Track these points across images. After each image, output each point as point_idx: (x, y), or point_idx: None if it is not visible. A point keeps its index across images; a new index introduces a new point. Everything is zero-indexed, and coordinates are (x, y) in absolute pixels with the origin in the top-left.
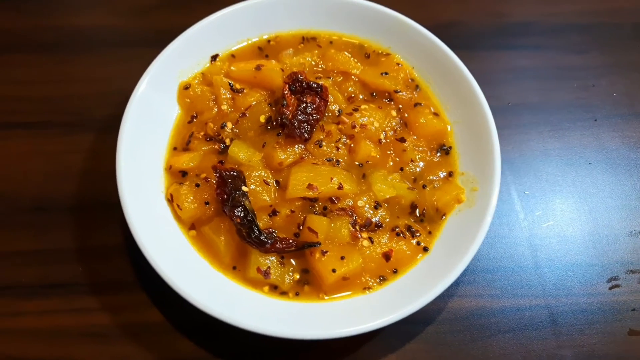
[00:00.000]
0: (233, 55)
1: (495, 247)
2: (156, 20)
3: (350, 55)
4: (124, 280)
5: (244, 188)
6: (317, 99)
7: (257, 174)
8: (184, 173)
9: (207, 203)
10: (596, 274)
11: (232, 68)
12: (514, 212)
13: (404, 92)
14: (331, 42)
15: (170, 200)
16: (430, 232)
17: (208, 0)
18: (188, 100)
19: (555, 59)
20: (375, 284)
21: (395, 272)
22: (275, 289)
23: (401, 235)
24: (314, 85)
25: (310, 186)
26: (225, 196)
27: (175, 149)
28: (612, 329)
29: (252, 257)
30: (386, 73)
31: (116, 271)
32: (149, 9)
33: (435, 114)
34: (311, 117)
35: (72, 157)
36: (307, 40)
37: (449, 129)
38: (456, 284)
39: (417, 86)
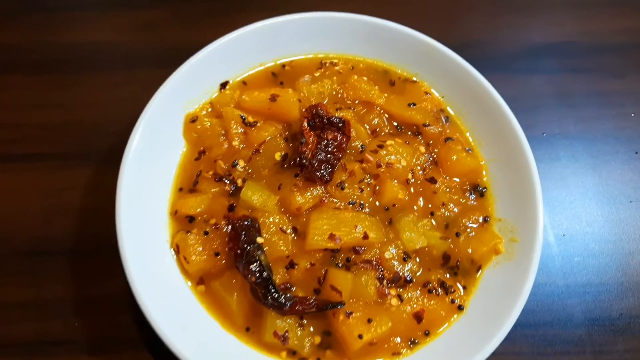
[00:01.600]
0: (244, 83)
1: (530, 298)
2: (164, 37)
3: (373, 83)
4: (126, 338)
5: (259, 239)
6: (338, 135)
7: (272, 220)
8: (191, 218)
9: (217, 254)
10: (638, 327)
11: (244, 97)
12: (551, 257)
13: (433, 126)
14: (352, 68)
15: (177, 251)
16: (465, 287)
17: (218, 15)
18: (195, 134)
19: (591, 83)
20: (405, 349)
21: (427, 334)
22: (293, 354)
23: (434, 292)
24: (336, 120)
25: (332, 236)
26: (239, 251)
27: (181, 189)
28: None
29: (268, 319)
30: (414, 104)
31: (118, 326)
32: (156, 24)
33: (468, 151)
34: (332, 156)
35: (71, 193)
36: (326, 65)
37: (483, 168)
38: None
39: (447, 118)
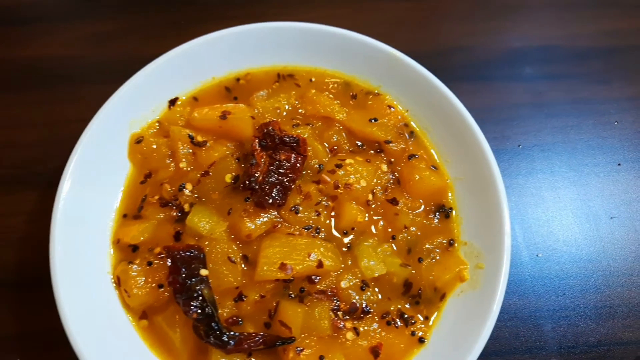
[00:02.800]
0: (195, 99)
1: (505, 324)
2: (117, 51)
3: (333, 97)
4: None
5: (203, 272)
6: (292, 156)
7: (220, 249)
8: (134, 248)
9: (160, 286)
10: (619, 353)
11: (194, 115)
12: (526, 279)
13: (396, 143)
14: (311, 80)
15: (118, 283)
16: (427, 317)
17: (177, 27)
18: (141, 156)
19: (574, 90)
20: None
21: None
22: None
23: (392, 324)
24: (289, 139)
25: (283, 266)
26: (179, 286)
27: (125, 216)
28: None
29: (213, 357)
30: (375, 119)
31: None
32: (110, 37)
33: (433, 168)
34: (285, 178)
35: (11, 221)
36: (284, 78)
37: (449, 187)
38: None
39: (412, 133)
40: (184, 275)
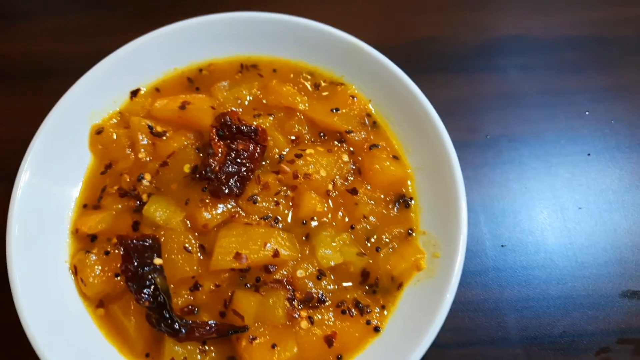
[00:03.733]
0: (157, 89)
1: (467, 314)
2: (87, 45)
3: (295, 88)
4: None
5: (157, 260)
6: (251, 145)
7: (176, 239)
8: (93, 237)
9: (117, 275)
10: (583, 345)
11: (155, 105)
12: (488, 270)
13: (357, 133)
14: (275, 70)
15: (75, 272)
16: (383, 307)
17: (145, 20)
18: (101, 146)
19: (545, 80)
20: None
21: (339, 358)
22: None
23: (347, 312)
24: (246, 129)
25: (238, 256)
26: (131, 274)
27: (85, 206)
28: None
29: (167, 345)
30: (337, 109)
31: (14, 357)
32: (77, 30)
33: (395, 157)
34: (243, 168)
35: None
36: (247, 69)
37: (409, 177)
38: None
39: (374, 123)
40: (136, 263)
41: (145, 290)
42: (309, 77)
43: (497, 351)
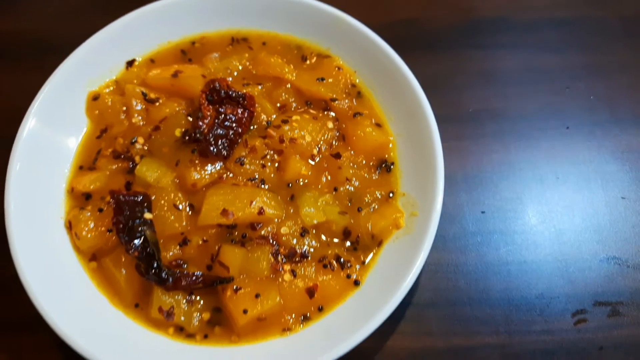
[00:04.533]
0: (152, 60)
1: (445, 276)
2: (83, 24)
3: (283, 59)
4: (23, 319)
5: (147, 215)
6: (239, 110)
7: (166, 197)
8: (87, 196)
9: (110, 230)
10: (560, 306)
11: (149, 74)
12: (468, 234)
13: (342, 101)
14: (264, 44)
15: (69, 227)
16: (364, 262)
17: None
18: (97, 112)
19: (526, 59)
20: (296, 325)
21: (320, 309)
22: (181, 330)
23: (329, 267)
24: (234, 94)
25: (224, 212)
26: (122, 226)
27: (81, 168)
28: None
29: (155, 294)
30: (323, 79)
31: (14, 308)
32: (74, 11)
33: (378, 125)
34: (231, 131)
35: None
36: (237, 42)
37: (391, 143)
38: (397, 319)
39: (359, 93)
40: (126, 215)
41: (135, 242)
42: (296, 49)
43: (474, 311)
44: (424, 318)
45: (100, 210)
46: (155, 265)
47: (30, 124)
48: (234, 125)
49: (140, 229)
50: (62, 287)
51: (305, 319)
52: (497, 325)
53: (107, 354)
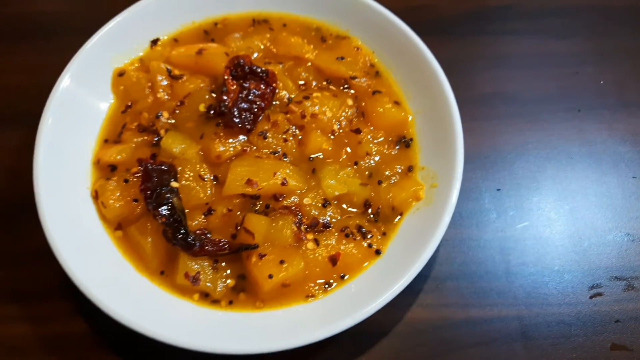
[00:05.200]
0: (176, 40)
1: (462, 250)
2: (105, 6)
3: (304, 39)
4: (46, 288)
5: (174, 184)
6: (262, 86)
7: (191, 168)
8: (113, 167)
9: (135, 200)
10: (576, 281)
11: (172, 53)
12: (485, 211)
13: (361, 79)
14: (284, 25)
15: (95, 197)
16: (384, 234)
17: None
18: (122, 87)
19: (535, 45)
20: (319, 291)
21: (343, 277)
22: (206, 296)
23: (351, 236)
24: (258, 70)
25: (249, 182)
26: (150, 192)
27: (106, 141)
28: (593, 343)
29: (181, 261)
30: (342, 58)
31: (38, 278)
32: None
33: (396, 103)
34: (254, 105)
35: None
36: (258, 23)
37: (410, 120)
38: (416, 291)
39: (377, 72)
40: (154, 183)
41: (162, 208)
42: (316, 31)
43: (492, 284)
44: (442, 290)
45: (126, 181)
46: (182, 230)
47: (56, 98)
48: (257, 100)
49: (167, 196)
50: (90, 255)
51: (328, 286)
52: (514, 297)
53: (137, 317)
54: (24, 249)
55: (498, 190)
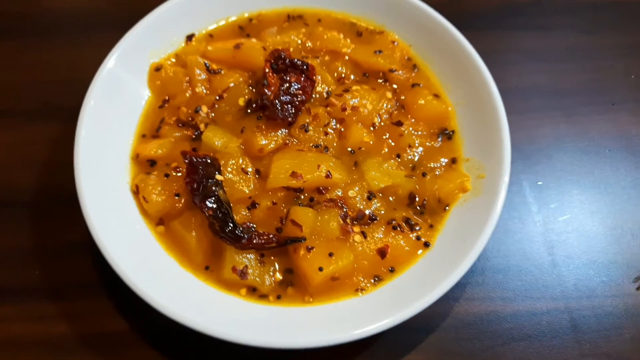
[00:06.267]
0: (211, 35)
1: (506, 243)
2: (138, 2)
3: (339, 34)
4: (85, 284)
5: (218, 177)
6: (302, 79)
7: (234, 161)
8: (152, 162)
9: (177, 195)
10: (621, 272)
11: (208, 48)
12: (526, 204)
13: (400, 72)
14: (319, 20)
15: (136, 192)
16: (431, 226)
17: None
18: (159, 82)
19: (566, 39)
20: (368, 285)
21: (392, 270)
22: (253, 291)
23: (398, 228)
24: (299, 62)
25: (294, 174)
26: (196, 185)
27: (144, 136)
28: None
29: (227, 254)
30: (380, 51)
31: (77, 274)
32: None
33: (436, 96)
34: (296, 99)
35: (33, 148)
36: (293, 19)
37: (451, 112)
38: (463, 285)
39: (414, 66)
40: (200, 175)
41: (209, 200)
42: (351, 26)
43: (539, 277)
44: (488, 283)
45: (167, 175)
46: (230, 222)
47: (94, 92)
48: (298, 93)
49: (213, 188)
50: (134, 249)
51: (378, 280)
52: (562, 291)
53: (185, 312)
54: (62, 244)
55: (538, 183)
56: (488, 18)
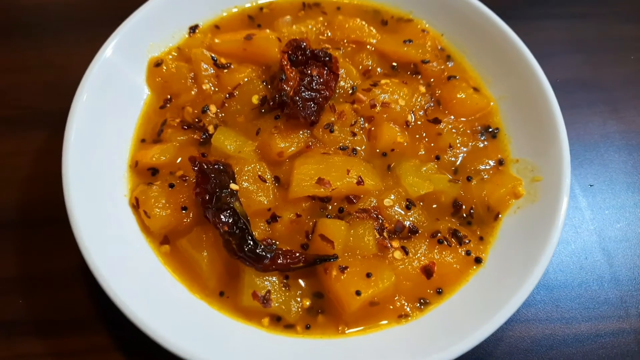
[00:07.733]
0: (217, 26)
1: (560, 255)
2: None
3: (363, 22)
4: (78, 318)
5: (233, 186)
6: (324, 72)
7: (249, 168)
8: (154, 171)
9: (184, 209)
10: None
11: (215, 41)
12: (579, 210)
13: (433, 63)
14: (339, 8)
15: (136, 206)
16: (481, 238)
17: None
18: (160, 79)
19: (606, 29)
20: (414, 310)
21: (439, 292)
22: (278, 320)
23: (444, 242)
24: (321, 53)
25: (320, 181)
26: (208, 196)
27: (143, 141)
28: None
29: (246, 277)
30: (410, 41)
31: (69, 305)
32: None
33: (475, 89)
34: (318, 95)
35: (17, 160)
36: (309, 7)
37: (493, 107)
38: None
39: (448, 56)
40: (213, 185)
41: (223, 214)
42: (374, 13)
43: (596, 293)
44: (544, 302)
45: (172, 185)
46: (249, 240)
47: (87, 87)
48: (321, 88)
49: (228, 199)
50: (134, 276)
51: (424, 303)
52: (627, 308)
53: (198, 349)
54: (51, 271)
55: (591, 185)
56: (527, 6)
